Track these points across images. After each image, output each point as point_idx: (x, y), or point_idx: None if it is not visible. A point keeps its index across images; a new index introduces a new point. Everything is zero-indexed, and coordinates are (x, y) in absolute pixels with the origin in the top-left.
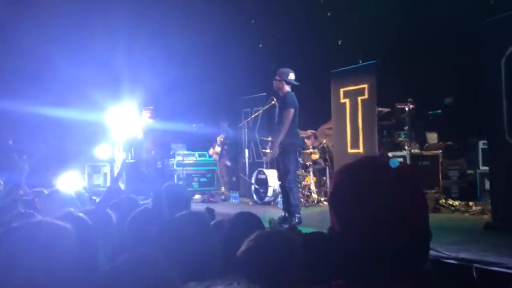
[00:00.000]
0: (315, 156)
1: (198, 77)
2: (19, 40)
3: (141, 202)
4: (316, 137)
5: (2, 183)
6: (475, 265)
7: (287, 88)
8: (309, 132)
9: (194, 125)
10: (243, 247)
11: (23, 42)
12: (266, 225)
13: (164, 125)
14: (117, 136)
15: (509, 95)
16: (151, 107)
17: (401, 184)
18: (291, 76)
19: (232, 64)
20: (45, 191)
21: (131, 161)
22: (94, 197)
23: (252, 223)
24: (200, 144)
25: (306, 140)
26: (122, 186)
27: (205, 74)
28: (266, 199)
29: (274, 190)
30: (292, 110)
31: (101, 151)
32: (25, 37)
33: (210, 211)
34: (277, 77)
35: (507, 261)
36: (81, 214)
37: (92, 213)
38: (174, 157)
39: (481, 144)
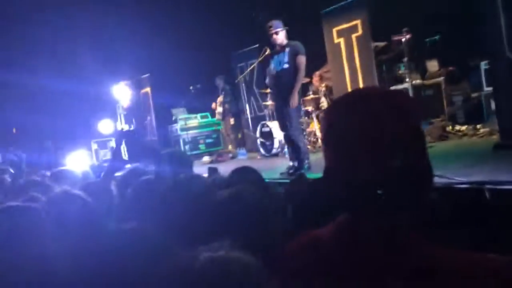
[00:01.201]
0: (322, 101)
1: (188, 39)
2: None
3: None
4: (321, 79)
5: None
6: (487, 186)
7: (285, 37)
8: (317, 74)
9: (191, 87)
10: (221, 196)
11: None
12: (275, 176)
13: (161, 91)
14: (119, 108)
15: (506, 9)
16: (147, 74)
17: (399, 113)
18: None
19: (219, 20)
20: (48, 173)
21: (128, 129)
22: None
23: (249, 176)
24: (201, 105)
25: (314, 82)
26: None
27: (194, 36)
28: (273, 151)
29: (280, 141)
30: (305, 57)
31: (104, 126)
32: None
33: (213, 171)
34: (279, 29)
35: None
36: (77, 191)
37: (95, 185)
38: (176, 122)
39: (483, 65)
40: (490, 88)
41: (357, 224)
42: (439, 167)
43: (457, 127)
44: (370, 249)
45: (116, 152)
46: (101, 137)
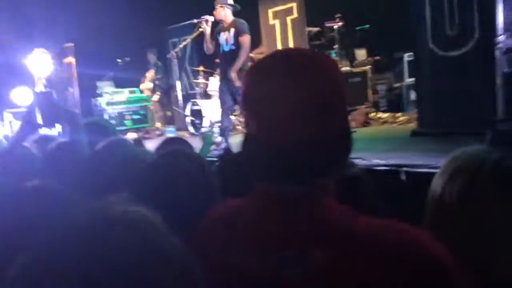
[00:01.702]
0: None
1: (119, 9)
2: None
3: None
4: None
5: None
6: (404, 168)
7: (231, 15)
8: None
9: (119, 60)
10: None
11: None
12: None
13: (86, 62)
14: (38, 77)
15: (431, 2)
16: (71, 44)
17: (320, 72)
18: (230, 0)
19: None
20: None
21: (45, 91)
22: None
23: (180, 147)
24: (129, 80)
25: None
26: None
27: (126, 6)
28: (203, 129)
29: (210, 121)
30: (249, 37)
31: (19, 96)
32: None
33: (139, 143)
34: (218, 6)
35: (432, 162)
36: None
37: (8, 152)
38: (102, 95)
39: (406, 57)
40: (411, 79)
41: (277, 192)
42: (362, 150)
43: (379, 114)
44: (289, 217)
45: (28, 116)
46: (16, 108)
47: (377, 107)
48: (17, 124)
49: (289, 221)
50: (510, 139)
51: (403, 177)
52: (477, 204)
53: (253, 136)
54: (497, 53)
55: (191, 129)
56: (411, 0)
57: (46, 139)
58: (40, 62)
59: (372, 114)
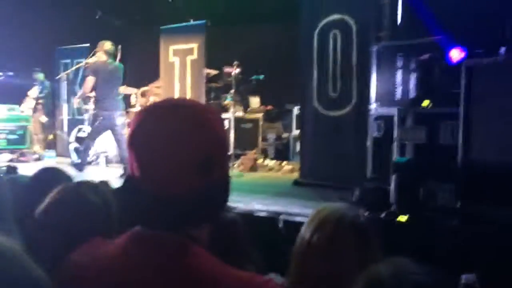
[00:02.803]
0: None
1: (7, 21)
2: None
3: None
4: (143, 95)
5: None
6: (281, 216)
7: (101, 58)
8: (135, 90)
9: (0, 73)
10: (43, 205)
11: None
12: None
13: None
14: None
15: (319, 65)
16: None
17: (206, 126)
18: (106, 46)
19: (48, 9)
20: None
21: None
22: None
23: (59, 179)
24: (9, 96)
25: (132, 98)
26: None
27: (16, 18)
28: (87, 158)
29: (96, 150)
30: (87, 78)
31: None
32: None
33: (12, 169)
34: None
35: (308, 212)
36: None
37: None
38: None
39: (295, 110)
40: (298, 131)
41: (149, 237)
42: (245, 194)
43: (267, 161)
44: (158, 264)
45: None
46: None
47: (265, 154)
48: None
49: (158, 268)
50: (373, 196)
51: (281, 224)
52: (340, 248)
53: (134, 177)
54: (369, 118)
55: (73, 156)
56: (302, 61)
57: None
58: None
59: (260, 161)
